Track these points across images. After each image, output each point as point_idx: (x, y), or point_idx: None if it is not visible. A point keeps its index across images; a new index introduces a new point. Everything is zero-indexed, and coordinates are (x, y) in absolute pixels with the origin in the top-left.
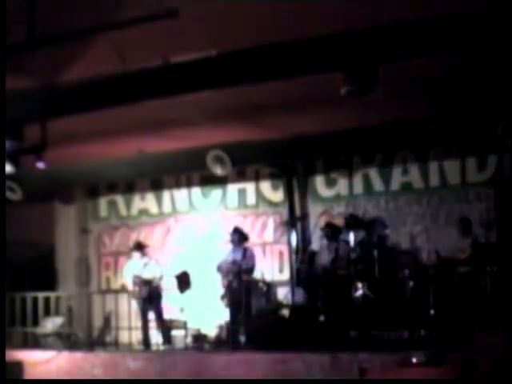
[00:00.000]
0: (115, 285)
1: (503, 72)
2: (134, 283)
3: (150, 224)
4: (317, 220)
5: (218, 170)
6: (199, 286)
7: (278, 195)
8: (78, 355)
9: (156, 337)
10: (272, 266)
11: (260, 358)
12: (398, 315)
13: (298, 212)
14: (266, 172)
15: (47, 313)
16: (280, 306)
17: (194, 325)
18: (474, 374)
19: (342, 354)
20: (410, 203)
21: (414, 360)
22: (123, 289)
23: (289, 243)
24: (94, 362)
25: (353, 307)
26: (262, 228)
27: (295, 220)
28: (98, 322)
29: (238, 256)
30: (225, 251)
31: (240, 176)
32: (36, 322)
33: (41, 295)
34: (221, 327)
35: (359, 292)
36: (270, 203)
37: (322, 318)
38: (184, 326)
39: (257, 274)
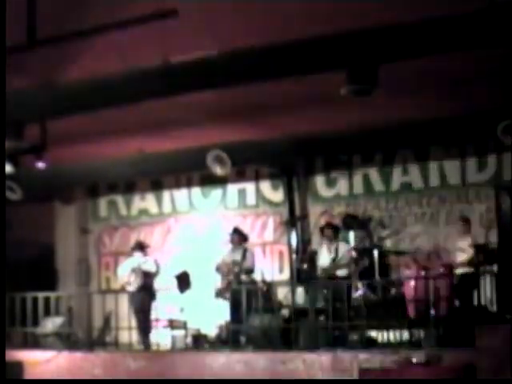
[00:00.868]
0: (115, 285)
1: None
2: (130, 274)
3: (150, 224)
4: (317, 220)
5: (218, 170)
6: (199, 286)
7: (278, 195)
8: (78, 355)
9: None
10: (272, 266)
11: (260, 357)
12: (397, 315)
13: (297, 212)
14: (265, 172)
15: (47, 313)
16: (280, 305)
17: (193, 325)
18: (473, 374)
19: (342, 353)
20: (410, 203)
21: (414, 360)
22: (123, 289)
23: (289, 243)
24: (94, 361)
25: (353, 307)
26: (261, 228)
27: (295, 220)
28: (98, 321)
29: (238, 256)
30: (224, 251)
31: (240, 176)
32: (36, 323)
33: (41, 295)
34: (221, 327)
35: (359, 292)
36: (270, 203)
37: (322, 318)
38: (184, 326)
39: (257, 274)
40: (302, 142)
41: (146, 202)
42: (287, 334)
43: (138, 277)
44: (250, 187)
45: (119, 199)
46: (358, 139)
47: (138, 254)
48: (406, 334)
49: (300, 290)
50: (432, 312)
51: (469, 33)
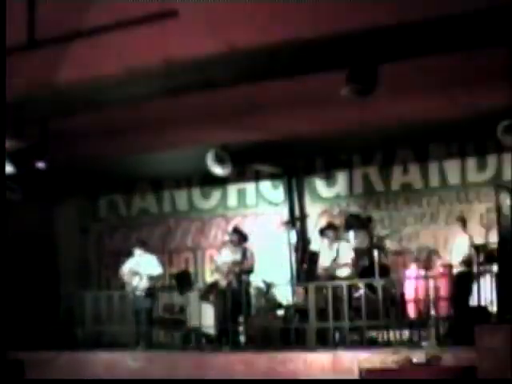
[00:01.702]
0: (115, 285)
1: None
2: (131, 274)
3: (150, 224)
4: (317, 220)
5: (218, 170)
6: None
7: (277, 195)
8: (78, 355)
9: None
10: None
11: (260, 357)
12: (397, 315)
13: (297, 212)
14: (265, 172)
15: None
16: (279, 305)
17: (193, 325)
18: (473, 374)
19: (341, 353)
20: (410, 203)
21: (414, 360)
22: (123, 289)
23: (289, 243)
24: (94, 362)
25: (353, 307)
26: (261, 228)
27: (295, 220)
28: (97, 321)
29: (238, 256)
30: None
31: (240, 176)
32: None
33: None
34: (221, 327)
35: (360, 292)
36: (270, 203)
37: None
38: (184, 325)
39: (256, 274)
40: (302, 141)
41: (146, 201)
42: (287, 333)
43: (141, 279)
44: (249, 187)
45: (119, 199)
46: (358, 139)
47: (139, 252)
48: (406, 334)
49: (300, 290)
50: (432, 312)
51: (469, 32)
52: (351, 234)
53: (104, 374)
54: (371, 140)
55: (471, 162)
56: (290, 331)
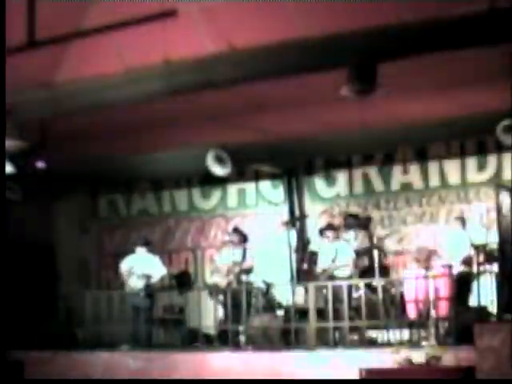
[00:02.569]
0: (115, 285)
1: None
2: (132, 274)
3: (150, 224)
4: (317, 220)
5: (218, 170)
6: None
7: (277, 195)
8: (78, 355)
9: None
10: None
11: (260, 357)
12: (397, 315)
13: (297, 212)
14: (265, 172)
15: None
16: (279, 306)
17: (193, 325)
18: (473, 374)
19: (341, 353)
20: (410, 203)
21: (414, 360)
22: (123, 289)
23: (289, 243)
24: (94, 361)
25: (353, 307)
26: (261, 228)
27: (295, 220)
28: (97, 321)
29: (238, 256)
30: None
31: (240, 176)
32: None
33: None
34: (221, 327)
35: (359, 292)
36: (270, 203)
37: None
38: (184, 325)
39: (256, 274)
40: (302, 142)
41: (146, 201)
42: (287, 333)
43: (140, 279)
44: (249, 187)
45: (119, 199)
46: (358, 139)
47: (141, 250)
48: (406, 334)
49: (300, 290)
50: (432, 312)
51: (469, 32)
52: (351, 234)
53: (104, 373)
54: (371, 140)
55: (471, 162)
56: (289, 331)
